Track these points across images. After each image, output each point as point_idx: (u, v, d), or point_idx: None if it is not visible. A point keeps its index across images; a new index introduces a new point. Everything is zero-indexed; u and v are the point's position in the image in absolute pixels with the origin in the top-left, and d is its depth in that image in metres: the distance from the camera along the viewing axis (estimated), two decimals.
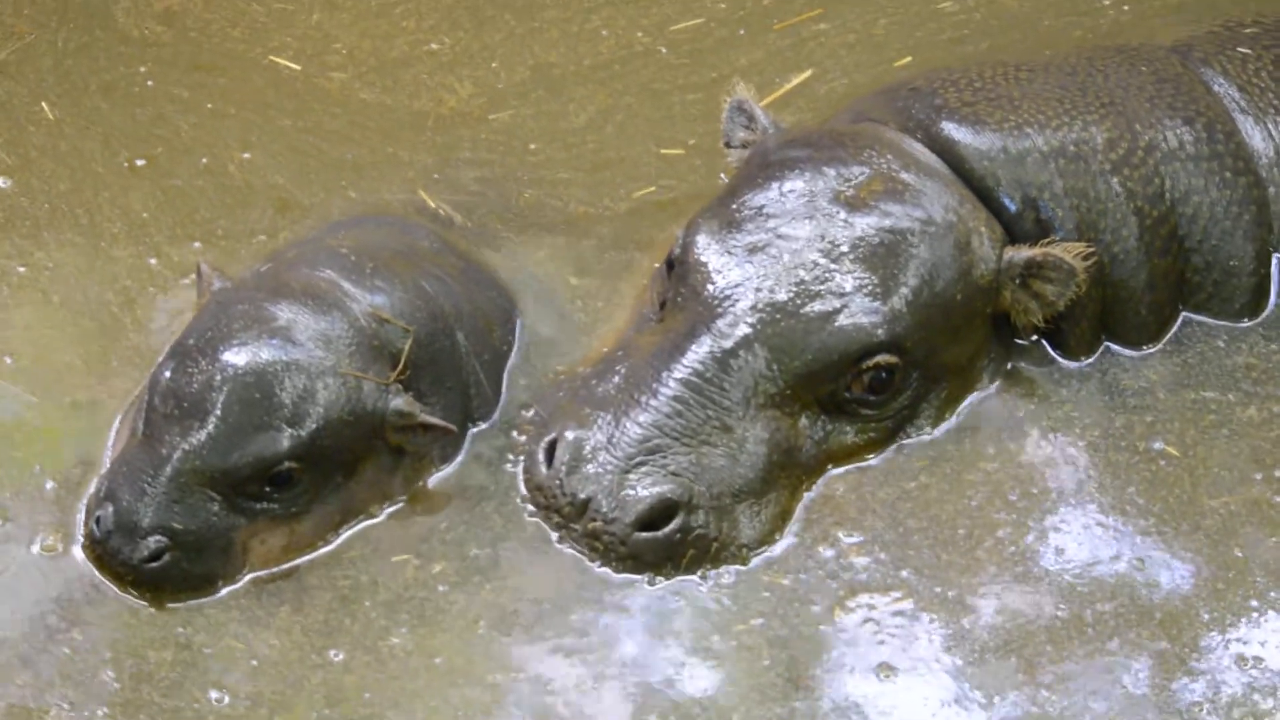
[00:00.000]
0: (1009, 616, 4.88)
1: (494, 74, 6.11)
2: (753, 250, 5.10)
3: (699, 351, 5.01)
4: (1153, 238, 5.34)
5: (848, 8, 6.25)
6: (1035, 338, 5.35)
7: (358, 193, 5.74)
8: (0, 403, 5.18)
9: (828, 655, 4.83)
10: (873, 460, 5.16)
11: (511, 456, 5.15)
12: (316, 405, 4.85)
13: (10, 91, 6.00)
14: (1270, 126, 5.47)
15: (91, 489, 4.92)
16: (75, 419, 5.17)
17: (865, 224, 5.09)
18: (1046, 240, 5.28)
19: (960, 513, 5.09)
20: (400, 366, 5.02)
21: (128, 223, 5.65)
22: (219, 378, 4.83)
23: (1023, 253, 5.23)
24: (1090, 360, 5.32)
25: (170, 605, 4.71)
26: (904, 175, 5.20)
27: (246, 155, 5.80)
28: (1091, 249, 5.26)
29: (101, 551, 4.83)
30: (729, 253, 5.11)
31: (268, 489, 4.89)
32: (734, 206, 5.23)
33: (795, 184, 5.18)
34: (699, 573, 4.95)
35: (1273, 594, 4.91)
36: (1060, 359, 5.35)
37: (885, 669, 4.79)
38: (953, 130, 5.32)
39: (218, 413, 4.80)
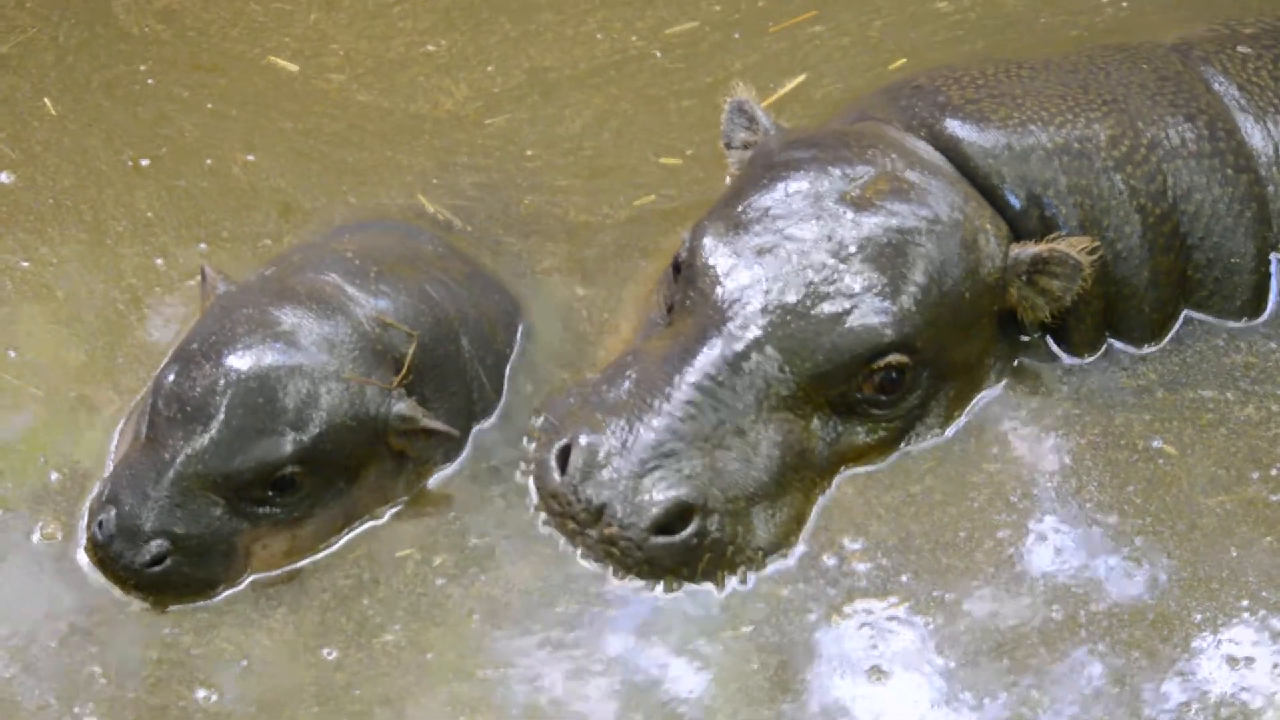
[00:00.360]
0: (1003, 619, 4.82)
1: (489, 78, 6.03)
2: (760, 252, 5.03)
3: (710, 355, 4.93)
4: (1155, 235, 5.30)
5: (843, 9, 6.17)
6: (1039, 335, 5.28)
7: (358, 198, 5.67)
8: (4, 396, 5.14)
9: (818, 659, 4.76)
10: (881, 463, 5.08)
11: (523, 465, 5.03)
12: (319, 410, 4.78)
13: (13, 86, 5.92)
14: (1270, 125, 5.43)
15: (95, 490, 4.87)
16: (80, 413, 5.12)
17: (872, 224, 5.03)
18: (1052, 237, 5.21)
19: (962, 515, 5.03)
20: (404, 371, 4.95)
21: (133, 222, 5.58)
22: (222, 382, 4.76)
23: (1028, 249, 5.17)
24: (1093, 358, 5.27)
25: (164, 604, 4.67)
26: (909, 174, 5.12)
27: (251, 157, 5.73)
28: (1096, 243, 5.19)
29: (103, 555, 4.76)
30: (737, 255, 5.04)
31: (270, 493, 4.81)
32: (740, 208, 5.14)
33: (800, 185, 5.10)
34: (715, 580, 4.88)
35: (1265, 594, 4.86)
36: (1064, 356, 5.29)
37: (876, 672, 4.73)
38: (957, 128, 5.26)
39: (221, 417, 4.73)
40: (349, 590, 4.85)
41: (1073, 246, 5.15)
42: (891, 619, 4.83)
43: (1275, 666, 4.77)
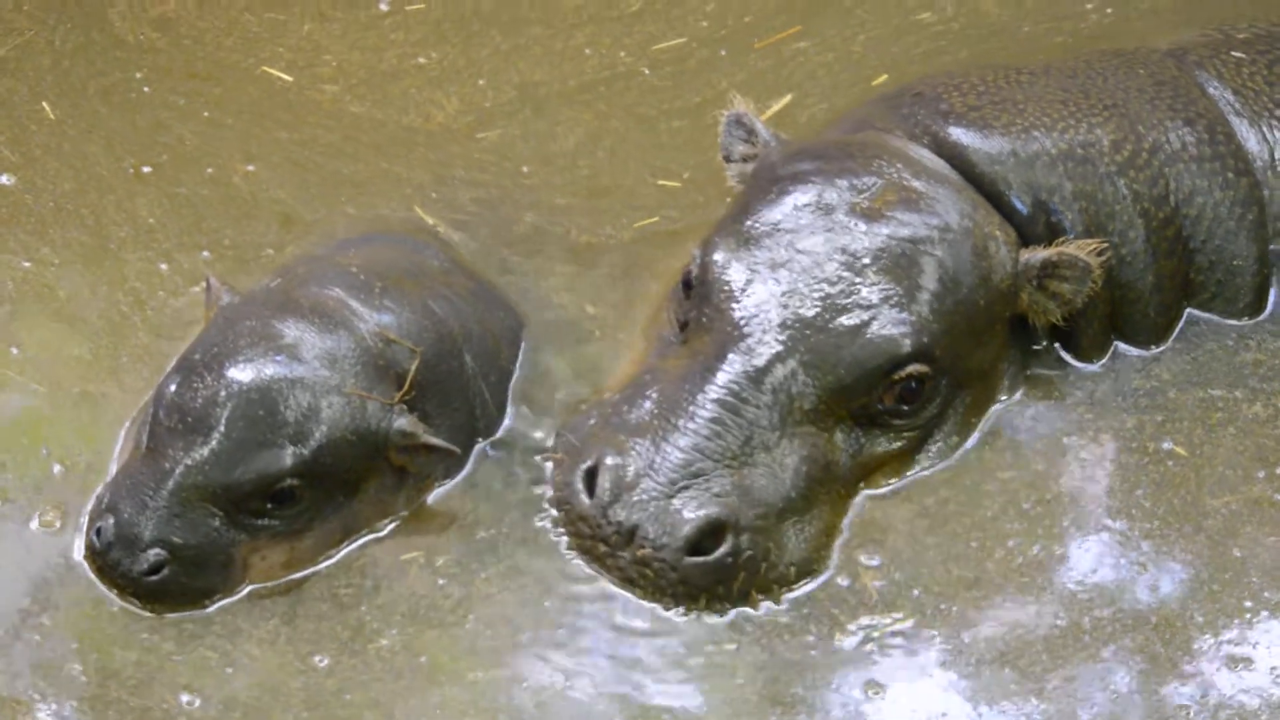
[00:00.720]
0: (1008, 628, 4.73)
1: (480, 91, 5.94)
2: (774, 266, 4.92)
3: (731, 371, 4.82)
4: (1159, 239, 5.21)
5: (827, 24, 6.09)
6: (1049, 340, 5.19)
7: (356, 209, 5.56)
8: (7, 391, 5.07)
9: (814, 675, 4.65)
10: (900, 473, 4.98)
11: (544, 489, 4.91)
12: (320, 424, 4.68)
13: (11, 89, 5.83)
14: (1265, 129, 5.36)
15: (95, 496, 4.77)
16: (83, 409, 5.04)
17: (884, 234, 4.93)
18: (1059, 242, 5.09)
19: (975, 525, 4.93)
20: (405, 387, 4.83)
21: (135, 228, 5.48)
22: (223, 393, 4.66)
23: (1038, 254, 5.06)
24: (1102, 362, 5.21)
25: (160, 612, 4.62)
26: (916, 183, 5.02)
27: (251, 167, 5.63)
28: (1105, 244, 5.09)
29: (101, 563, 4.67)
30: (751, 270, 4.93)
31: (269, 505, 4.70)
32: (749, 223, 5.02)
33: (809, 197, 5.00)
34: (749, 601, 4.75)
35: (1266, 594, 4.78)
36: (1073, 361, 5.21)
37: (873, 686, 4.62)
38: (961, 135, 5.15)
39: (221, 428, 4.63)
40: (349, 599, 4.76)
41: (1082, 249, 5.05)
42: (895, 635, 4.71)
43: (1274, 668, 4.68)
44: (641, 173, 5.74)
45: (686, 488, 4.71)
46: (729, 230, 5.06)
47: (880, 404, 4.92)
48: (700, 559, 4.71)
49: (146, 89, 5.86)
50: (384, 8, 6.15)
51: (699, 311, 4.98)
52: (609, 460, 4.77)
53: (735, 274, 4.95)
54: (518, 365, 5.20)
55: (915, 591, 4.80)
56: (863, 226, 4.96)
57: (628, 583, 4.76)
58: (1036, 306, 5.09)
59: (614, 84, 5.98)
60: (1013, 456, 5.04)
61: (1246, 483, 5.00)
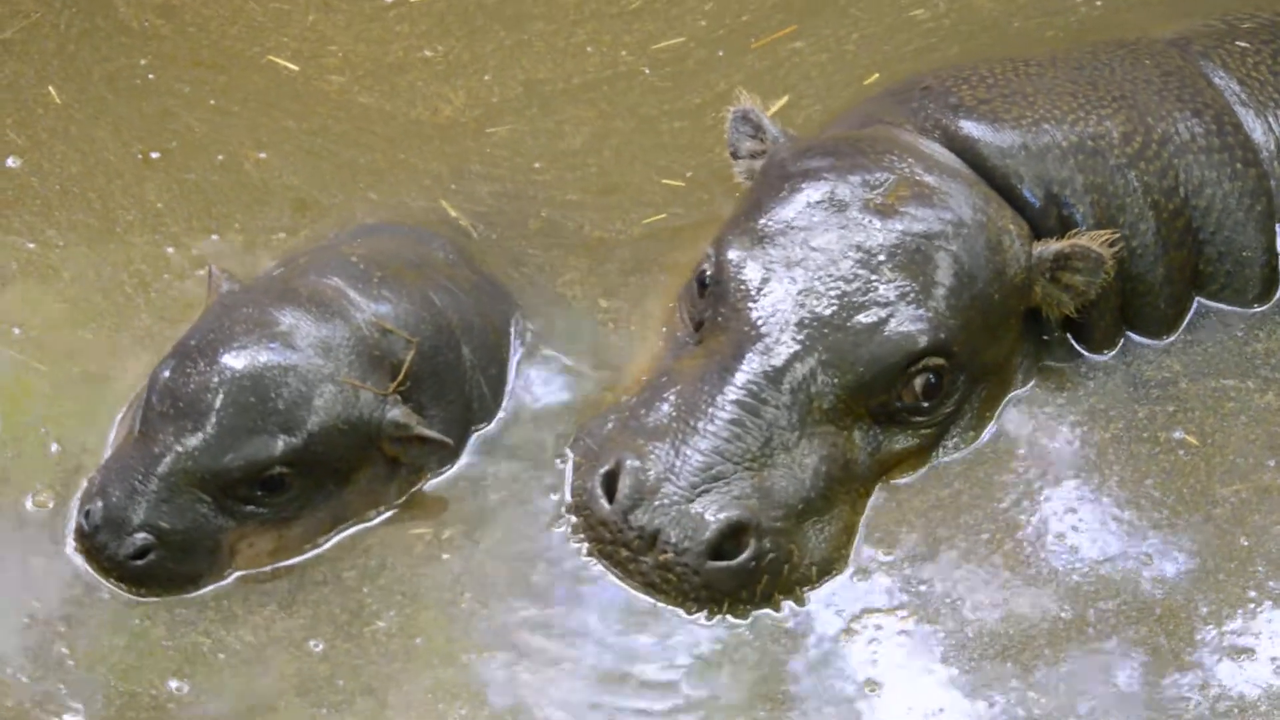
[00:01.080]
0: (1013, 622, 4.63)
1: (487, 87, 5.84)
2: (789, 265, 4.80)
3: (750, 372, 4.69)
4: (1169, 230, 5.09)
5: (821, 22, 5.98)
6: (1061, 333, 5.09)
7: (378, 195, 5.48)
8: (8, 370, 5.00)
9: (809, 672, 4.56)
10: (917, 469, 4.90)
11: (562, 494, 4.82)
12: (312, 412, 4.57)
13: (17, 72, 5.71)
14: (1270, 120, 5.25)
15: (88, 479, 4.71)
16: (84, 390, 4.96)
17: (899, 230, 4.81)
18: (1071, 234, 4.97)
19: (988, 517, 4.82)
20: (400, 377, 4.71)
21: (142, 211, 5.37)
22: (215, 379, 4.56)
23: (1051, 246, 4.92)
24: (1114, 353, 5.12)
25: (146, 596, 4.58)
26: (928, 178, 4.90)
27: (262, 155, 5.53)
28: (1117, 235, 4.99)
29: (89, 545, 4.58)
30: (766, 269, 4.80)
31: (258, 493, 4.57)
32: (762, 221, 4.88)
33: (822, 194, 4.88)
34: (772, 604, 4.65)
35: (1271, 584, 4.69)
36: (1085, 353, 5.11)
37: (871, 684, 4.53)
38: (972, 128, 5.03)
39: (211, 414, 4.53)
40: (351, 580, 4.67)
41: (1094, 240, 4.92)
42: (900, 632, 4.62)
43: (1275, 658, 4.59)
44: (647, 171, 5.60)
45: (707, 491, 4.60)
46: (742, 228, 4.90)
47: (899, 401, 4.79)
48: (723, 563, 4.57)
49: (151, 76, 5.74)
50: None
51: (714, 311, 4.83)
52: (629, 463, 4.62)
53: (750, 273, 4.82)
54: (521, 353, 5.08)
55: (924, 587, 4.67)
56: (877, 223, 4.84)
57: (650, 587, 4.62)
58: (1050, 299, 4.97)
59: (616, 83, 5.85)
60: (1026, 448, 4.93)
61: (1257, 471, 4.90)
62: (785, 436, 4.67)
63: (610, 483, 4.67)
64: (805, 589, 4.67)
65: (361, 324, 4.73)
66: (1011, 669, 4.57)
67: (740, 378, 4.70)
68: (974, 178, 5.00)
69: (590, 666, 4.60)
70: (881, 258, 4.81)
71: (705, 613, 4.62)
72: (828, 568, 4.70)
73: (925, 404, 4.82)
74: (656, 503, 4.60)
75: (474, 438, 4.94)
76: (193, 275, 5.22)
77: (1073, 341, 5.12)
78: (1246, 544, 4.79)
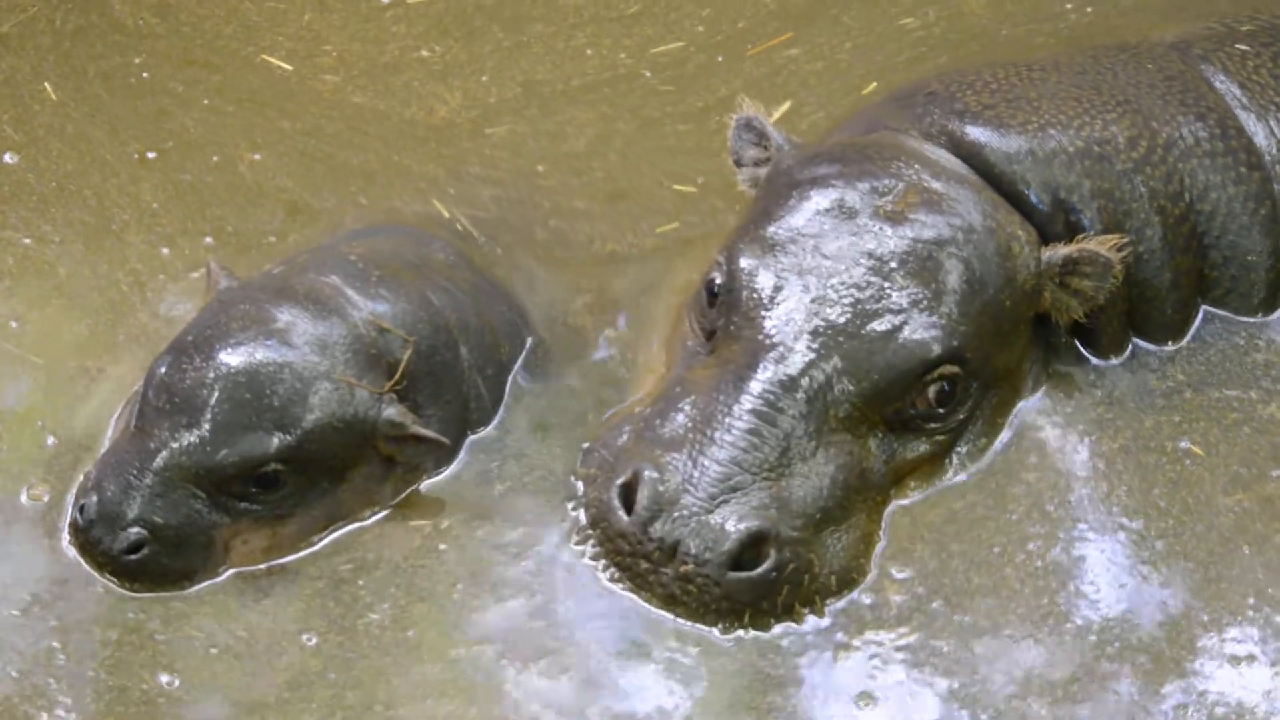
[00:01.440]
0: (1017, 637, 4.60)
1: (484, 88, 5.78)
2: (801, 273, 4.75)
3: (765, 381, 4.63)
4: (1175, 236, 5.04)
5: (816, 30, 5.95)
6: (1069, 339, 5.06)
7: (369, 200, 5.42)
8: (4, 364, 4.97)
9: (803, 685, 4.51)
10: (931, 477, 4.86)
11: (574, 504, 4.78)
12: (307, 409, 4.54)
13: (14, 67, 5.66)
14: (1272, 123, 5.20)
15: (84, 473, 4.69)
16: (80, 383, 4.93)
17: (909, 237, 4.77)
18: (1079, 239, 4.92)
19: (999, 530, 4.78)
20: (396, 376, 4.67)
21: (138, 211, 5.32)
22: (211, 375, 4.52)
23: (1059, 251, 4.87)
24: (1121, 359, 5.08)
25: (139, 591, 4.55)
26: (936, 184, 4.85)
27: (257, 156, 5.49)
28: (1126, 239, 4.94)
29: (83, 540, 4.55)
30: (778, 277, 4.75)
31: (252, 489, 4.53)
32: (772, 229, 4.82)
33: (830, 201, 4.84)
34: (793, 616, 4.59)
35: (1271, 591, 4.67)
36: (1093, 359, 5.07)
37: (865, 698, 4.48)
38: (978, 134, 4.98)
39: (206, 410, 4.50)
40: (348, 573, 4.63)
41: (1102, 245, 4.87)
42: (901, 649, 4.57)
43: (1275, 664, 4.56)
44: (656, 176, 5.54)
45: (726, 501, 4.54)
46: (752, 237, 4.83)
47: (913, 408, 4.74)
48: (744, 574, 4.51)
49: (146, 74, 5.68)
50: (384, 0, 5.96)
51: (726, 320, 4.77)
52: (647, 475, 4.55)
53: (763, 281, 4.76)
54: (517, 360, 5.02)
55: (934, 604, 4.63)
56: (887, 230, 4.79)
57: (669, 600, 4.56)
58: (1059, 304, 4.92)
59: (616, 85, 5.79)
60: (1037, 457, 4.90)
61: (1260, 481, 4.87)
62: (802, 446, 4.62)
63: (628, 494, 4.60)
64: (825, 599, 4.61)
65: (358, 322, 4.68)
66: (1012, 679, 4.52)
67: (756, 387, 4.64)
68: (981, 184, 4.94)
69: (579, 666, 4.54)
70: (893, 265, 4.76)
71: (725, 625, 4.56)
72: (847, 577, 4.64)
73: (940, 410, 4.76)
74: (676, 514, 4.54)
75: (475, 437, 4.87)
76: (187, 276, 5.17)
77: (1080, 348, 5.06)
78: (1248, 553, 4.75)
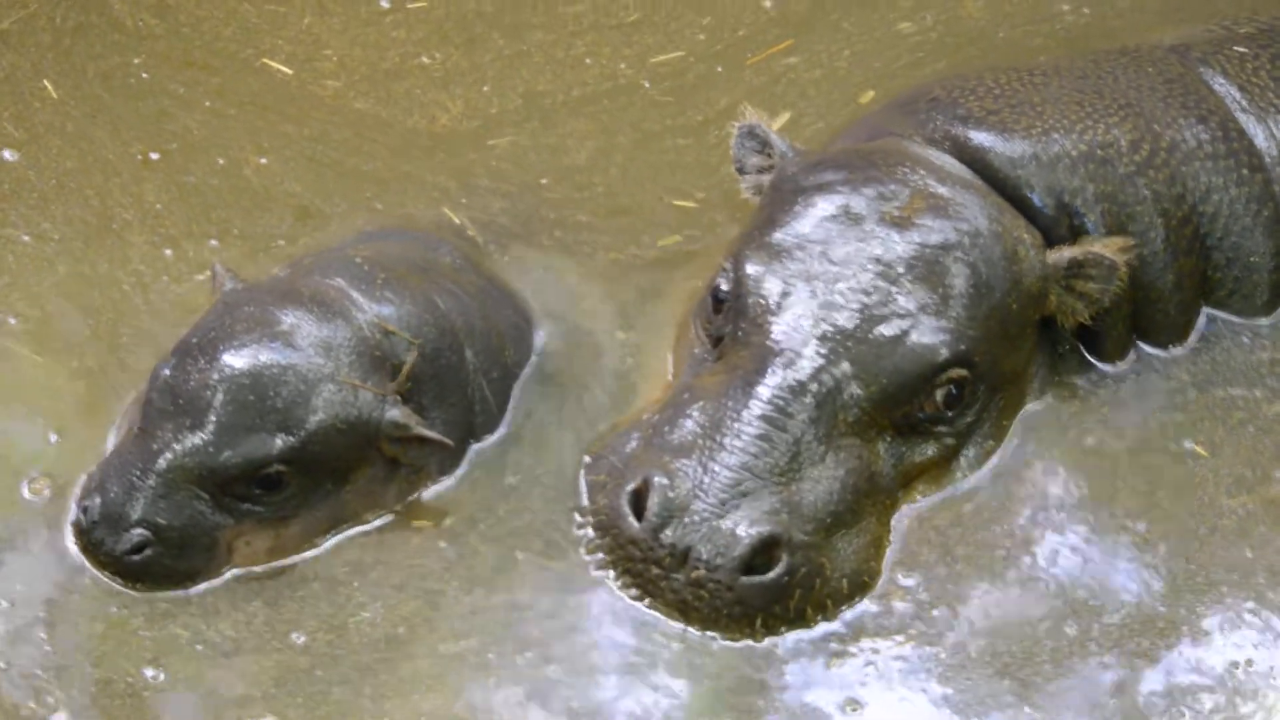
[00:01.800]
0: (1017, 640, 4.55)
1: (485, 98, 5.73)
2: (808, 278, 4.72)
3: (774, 386, 4.60)
4: (1178, 238, 5.01)
5: (815, 38, 5.91)
6: (1073, 343, 5.04)
7: (384, 205, 5.37)
8: (4, 360, 4.92)
9: (792, 688, 4.45)
10: (939, 480, 4.83)
11: (582, 513, 4.73)
12: (310, 411, 4.50)
13: (14, 64, 5.59)
14: (1272, 125, 5.17)
15: (87, 474, 4.66)
16: (82, 383, 4.88)
17: (916, 242, 4.74)
18: (1083, 242, 4.90)
19: (1005, 533, 4.74)
20: (401, 378, 4.63)
21: (141, 211, 5.26)
22: (215, 377, 4.48)
23: (1064, 254, 4.85)
24: (1124, 363, 5.05)
25: (138, 589, 4.53)
26: (942, 189, 4.83)
27: (263, 160, 5.43)
28: (1131, 241, 4.92)
29: (86, 541, 4.51)
30: (785, 283, 4.72)
31: (256, 491, 4.49)
32: (778, 235, 4.79)
33: (836, 207, 4.81)
34: (805, 620, 4.55)
35: (1270, 594, 4.63)
36: (1097, 363, 5.04)
37: (852, 703, 4.42)
38: (982, 139, 4.95)
39: (210, 411, 4.46)
40: (344, 575, 4.61)
41: (1107, 247, 4.86)
42: (897, 658, 4.52)
43: (1271, 669, 4.52)
44: (656, 191, 5.50)
45: (737, 507, 4.50)
46: (758, 243, 4.79)
47: (921, 412, 4.71)
48: (756, 579, 4.47)
49: (145, 75, 5.62)
50: (385, 4, 5.90)
51: (734, 326, 4.73)
52: (657, 481, 4.51)
53: (770, 287, 4.73)
54: (524, 365, 4.97)
55: (936, 611, 4.58)
56: (894, 235, 4.76)
57: (680, 607, 4.51)
58: (1065, 307, 4.89)
59: (616, 97, 5.73)
60: (1044, 460, 4.86)
61: (1264, 483, 4.83)
62: (812, 450, 4.57)
63: (638, 501, 4.55)
64: (837, 604, 4.55)
65: (363, 325, 4.63)
66: (1009, 686, 4.46)
67: (765, 392, 4.60)
68: (986, 188, 4.90)
69: (565, 663, 4.49)
70: (900, 270, 4.72)
71: (737, 632, 4.50)
72: (859, 581, 4.58)
73: (948, 413, 4.72)
74: (687, 520, 4.49)
75: (481, 444, 4.83)
76: (191, 279, 5.11)
77: (1085, 351, 5.01)
78: (1250, 555, 4.70)
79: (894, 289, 4.70)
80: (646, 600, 4.55)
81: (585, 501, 4.71)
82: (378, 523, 4.66)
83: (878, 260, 4.73)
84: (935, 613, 4.58)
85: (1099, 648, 4.54)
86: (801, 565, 4.49)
